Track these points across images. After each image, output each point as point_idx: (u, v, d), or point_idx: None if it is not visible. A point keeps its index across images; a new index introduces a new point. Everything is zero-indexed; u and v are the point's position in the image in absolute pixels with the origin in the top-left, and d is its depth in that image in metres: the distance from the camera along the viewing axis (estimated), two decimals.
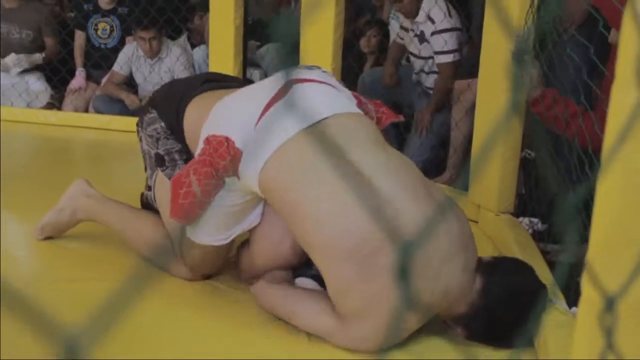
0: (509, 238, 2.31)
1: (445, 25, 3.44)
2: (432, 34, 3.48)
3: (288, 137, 1.60)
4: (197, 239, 1.83)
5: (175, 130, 1.90)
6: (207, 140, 1.68)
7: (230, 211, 1.75)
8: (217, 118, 1.73)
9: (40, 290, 1.87)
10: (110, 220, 2.08)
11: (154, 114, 1.94)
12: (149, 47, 4.30)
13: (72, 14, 4.84)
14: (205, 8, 4.67)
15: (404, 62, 3.89)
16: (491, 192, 2.58)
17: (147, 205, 2.10)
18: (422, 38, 3.53)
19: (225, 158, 1.64)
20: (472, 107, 3.01)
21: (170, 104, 1.92)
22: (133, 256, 2.05)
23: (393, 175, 1.59)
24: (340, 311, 1.59)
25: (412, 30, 3.58)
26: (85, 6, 4.67)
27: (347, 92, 1.84)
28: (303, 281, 1.84)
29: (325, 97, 1.71)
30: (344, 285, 1.55)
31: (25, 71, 4.52)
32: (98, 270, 2.01)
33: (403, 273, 0.44)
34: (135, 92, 4.54)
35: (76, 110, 4.49)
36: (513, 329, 1.58)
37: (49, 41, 4.58)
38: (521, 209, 2.61)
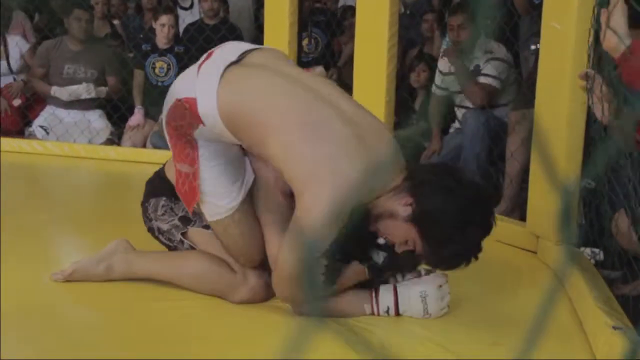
0: (571, 268, 2.27)
1: (499, 55, 3.67)
2: (487, 60, 3.66)
3: (225, 65, 1.82)
4: (215, 215, 1.91)
5: (176, 195, 2.01)
6: (167, 122, 1.88)
7: (217, 163, 1.86)
8: (165, 104, 1.92)
9: (135, 311, 1.92)
10: (153, 271, 2.06)
11: (151, 202, 2.07)
12: None
13: (132, 54, 5.01)
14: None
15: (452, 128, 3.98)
16: (550, 222, 2.54)
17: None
18: (477, 72, 3.64)
19: (185, 116, 1.82)
20: (528, 138, 2.99)
21: (154, 183, 2.10)
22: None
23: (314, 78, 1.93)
24: (293, 177, 1.74)
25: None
26: (143, 46, 4.83)
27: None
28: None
29: (239, 46, 1.96)
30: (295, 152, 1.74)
31: (87, 108, 4.67)
32: (170, 292, 2.03)
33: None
34: None
35: (134, 146, 4.62)
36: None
37: (111, 80, 4.75)
38: (582, 239, 2.56)
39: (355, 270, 1.91)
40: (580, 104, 2.45)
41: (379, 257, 1.89)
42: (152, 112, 4.81)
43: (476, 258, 1.82)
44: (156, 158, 4.20)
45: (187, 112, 1.81)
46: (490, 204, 1.92)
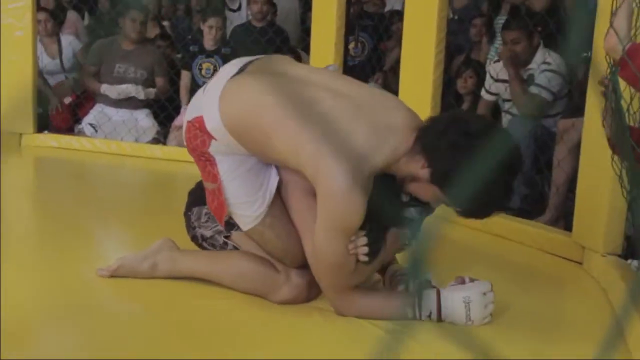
0: (617, 280, 2.23)
1: (555, 67, 3.60)
2: (542, 71, 3.60)
3: (227, 79, 1.88)
4: (248, 225, 1.94)
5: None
6: (187, 147, 1.96)
7: (238, 175, 1.90)
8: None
9: (183, 308, 1.94)
10: (198, 270, 2.08)
11: (193, 211, 2.10)
12: None
13: (179, 55, 5.08)
14: (304, 50, 4.84)
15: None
16: (597, 232, 2.50)
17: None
18: (530, 81, 3.62)
19: (197, 136, 1.90)
20: (576, 147, 2.94)
21: (196, 193, 2.11)
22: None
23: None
24: (303, 162, 1.79)
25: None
26: (191, 47, 4.90)
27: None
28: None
29: (241, 60, 1.99)
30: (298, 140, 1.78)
31: (135, 107, 4.76)
32: (211, 290, 2.05)
33: None
34: None
35: (180, 145, 4.67)
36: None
37: (159, 81, 4.83)
38: (629, 251, 2.51)
39: (393, 240, 1.92)
40: (631, 114, 2.40)
41: (414, 213, 1.89)
42: None
43: (509, 200, 1.86)
44: None
45: (198, 131, 1.89)
46: (504, 144, 1.74)
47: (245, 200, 1.91)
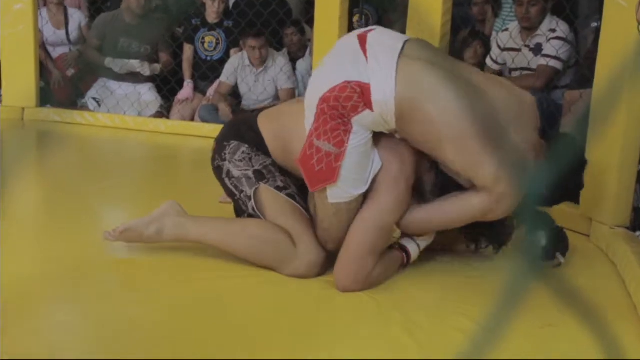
0: (626, 252, 2.21)
1: (563, 35, 3.61)
2: (550, 39, 3.59)
3: (396, 55, 1.86)
4: (338, 198, 1.91)
5: (260, 147, 2.05)
6: (322, 100, 1.85)
7: (362, 151, 1.88)
8: (320, 82, 1.90)
9: (183, 289, 1.91)
10: (207, 235, 2.04)
11: (234, 144, 2.07)
12: (258, 55, 4.41)
13: (181, 29, 5.03)
14: (303, 23, 4.79)
15: None
16: (605, 205, 2.48)
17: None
18: (538, 50, 3.58)
19: (352, 98, 1.83)
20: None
21: (242, 128, 2.09)
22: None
23: (476, 73, 2.00)
24: (481, 184, 1.85)
25: (527, 46, 3.65)
26: (193, 21, 4.85)
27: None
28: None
29: (390, 33, 1.98)
30: (478, 160, 1.82)
31: (138, 81, 4.73)
32: (230, 267, 2.02)
33: None
34: (239, 103, 4.66)
35: (183, 119, 4.66)
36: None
37: (163, 56, 4.80)
38: (637, 223, 2.49)
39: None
40: None
41: None
42: (201, 86, 4.84)
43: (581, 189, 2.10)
44: (204, 131, 4.24)
45: (356, 95, 1.83)
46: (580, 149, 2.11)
47: (354, 178, 1.88)
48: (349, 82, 1.84)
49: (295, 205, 2.01)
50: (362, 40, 1.91)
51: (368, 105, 1.83)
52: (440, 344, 1.65)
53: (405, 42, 1.92)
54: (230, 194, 2.10)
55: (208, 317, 1.73)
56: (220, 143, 2.10)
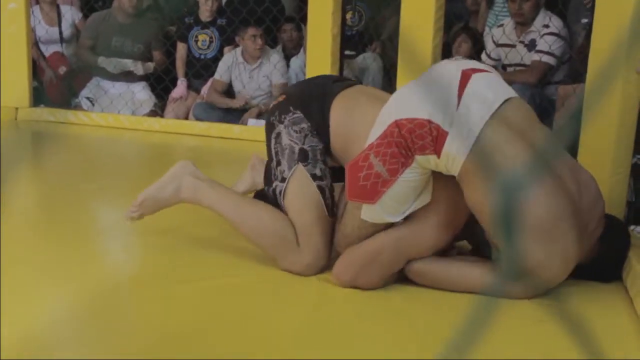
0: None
1: (556, 30, 3.61)
2: (543, 35, 3.60)
3: (484, 122, 1.75)
4: (370, 217, 1.87)
5: (321, 130, 2.00)
6: (396, 124, 1.77)
7: (411, 185, 1.81)
8: (403, 105, 1.82)
9: (183, 289, 1.89)
10: (220, 204, 2.01)
11: (298, 114, 2.02)
12: (260, 43, 4.40)
13: (174, 28, 5.02)
14: (301, 20, 4.78)
15: None
16: None
17: (262, 199, 2.13)
18: (532, 46, 3.60)
19: (425, 138, 1.75)
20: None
21: (313, 105, 2.02)
22: (235, 253, 2.10)
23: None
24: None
25: (521, 42, 3.67)
26: (186, 19, 4.84)
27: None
28: None
29: (496, 85, 1.86)
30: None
31: (132, 80, 4.72)
32: (216, 270, 2.02)
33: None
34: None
35: (177, 117, 4.65)
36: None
37: (156, 55, 4.79)
38: (632, 217, 2.50)
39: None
40: (634, 80, 2.38)
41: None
42: (195, 84, 4.84)
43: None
44: (198, 130, 4.24)
45: (430, 137, 1.75)
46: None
47: (394, 207, 1.83)
48: (430, 122, 1.74)
49: (320, 200, 1.99)
50: (464, 80, 1.80)
51: (437, 151, 1.74)
52: (442, 344, 1.65)
53: (506, 100, 1.80)
54: (268, 152, 2.06)
55: (210, 316, 1.73)
56: (287, 104, 2.04)
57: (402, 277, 1.95)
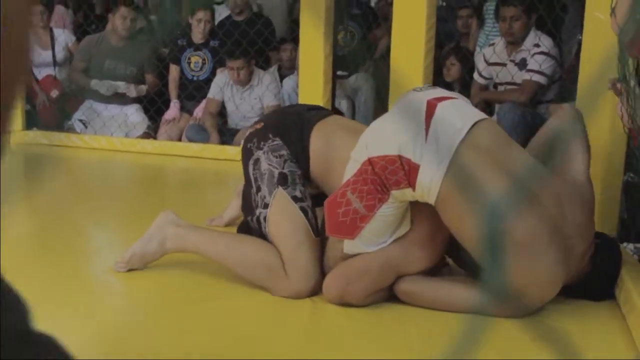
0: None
1: (546, 50, 3.64)
2: (534, 54, 3.63)
3: (457, 142, 1.78)
4: (351, 250, 1.90)
5: (300, 157, 2.04)
6: (369, 162, 1.80)
7: (390, 220, 1.85)
8: (374, 141, 1.84)
9: (180, 312, 1.90)
10: (203, 246, 2.05)
11: (278, 142, 2.05)
12: (237, 77, 4.43)
13: (167, 50, 5.04)
14: (293, 41, 4.81)
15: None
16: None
17: (247, 232, 2.14)
18: (522, 65, 3.63)
19: (397, 173, 1.78)
20: None
21: (292, 132, 2.07)
22: (229, 276, 2.09)
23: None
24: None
25: (512, 61, 3.70)
26: (179, 41, 4.86)
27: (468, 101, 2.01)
28: None
29: (463, 110, 1.88)
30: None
31: (125, 102, 4.73)
32: (210, 292, 2.03)
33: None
34: (225, 122, 4.67)
35: (170, 139, 4.65)
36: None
37: (149, 77, 4.80)
38: (624, 234, 2.51)
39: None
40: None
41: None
42: (188, 106, 4.85)
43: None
44: (191, 151, 4.25)
45: (402, 172, 1.77)
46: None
47: (373, 240, 1.87)
48: (400, 157, 1.77)
49: (304, 221, 2.00)
50: (430, 110, 1.82)
51: (412, 184, 1.77)
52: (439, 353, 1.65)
53: (476, 123, 1.83)
54: (246, 179, 2.09)
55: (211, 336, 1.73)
56: (266, 131, 2.08)
57: (393, 296, 1.95)
